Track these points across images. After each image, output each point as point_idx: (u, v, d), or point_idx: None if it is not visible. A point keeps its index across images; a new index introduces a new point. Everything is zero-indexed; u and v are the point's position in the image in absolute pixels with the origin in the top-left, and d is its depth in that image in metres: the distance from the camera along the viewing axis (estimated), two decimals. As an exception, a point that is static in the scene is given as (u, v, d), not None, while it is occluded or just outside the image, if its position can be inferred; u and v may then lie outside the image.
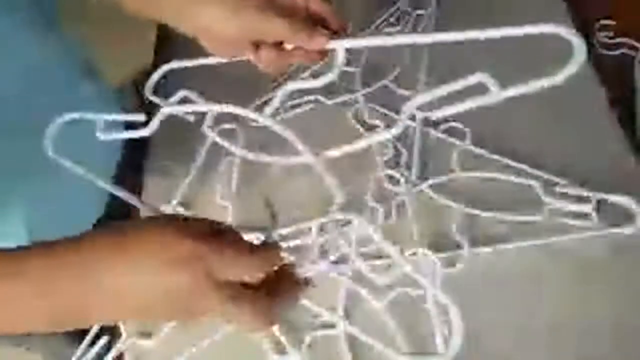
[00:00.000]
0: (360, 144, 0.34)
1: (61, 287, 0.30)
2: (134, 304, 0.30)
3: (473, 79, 0.30)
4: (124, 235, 0.31)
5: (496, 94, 0.30)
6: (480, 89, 0.31)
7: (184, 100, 0.41)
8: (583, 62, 0.28)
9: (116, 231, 0.31)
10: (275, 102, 0.38)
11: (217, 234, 0.32)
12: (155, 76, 0.43)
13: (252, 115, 0.36)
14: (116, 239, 0.31)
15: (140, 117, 0.41)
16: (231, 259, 0.31)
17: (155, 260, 0.29)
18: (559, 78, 0.28)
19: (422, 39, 0.34)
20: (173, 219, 0.32)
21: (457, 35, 0.33)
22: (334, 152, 0.34)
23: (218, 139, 0.39)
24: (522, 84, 0.30)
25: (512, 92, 0.30)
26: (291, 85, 0.39)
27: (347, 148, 0.34)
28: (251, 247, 0.32)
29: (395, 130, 0.33)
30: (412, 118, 0.61)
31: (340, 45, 0.38)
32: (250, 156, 0.39)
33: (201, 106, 0.38)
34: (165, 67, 0.44)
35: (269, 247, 0.34)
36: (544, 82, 0.29)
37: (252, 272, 0.31)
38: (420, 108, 0.60)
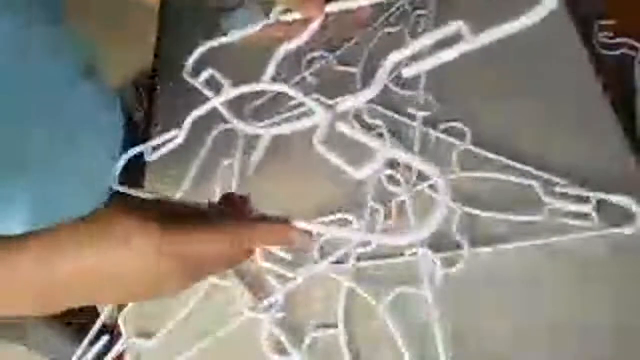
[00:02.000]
0: (349, 102, 0.33)
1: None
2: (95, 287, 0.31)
3: (451, 29, 0.29)
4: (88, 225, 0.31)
5: (471, 41, 0.28)
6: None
7: (208, 82, 0.41)
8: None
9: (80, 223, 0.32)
10: (270, 69, 0.38)
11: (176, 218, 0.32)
12: (196, 54, 0.43)
13: (273, 87, 0.36)
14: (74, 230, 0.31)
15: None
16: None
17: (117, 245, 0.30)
18: (533, 18, 0.26)
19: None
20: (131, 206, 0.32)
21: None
22: (345, 105, 0.33)
23: (221, 109, 0.38)
24: (495, 29, 0.28)
25: (486, 37, 0.28)
26: (281, 51, 0.39)
27: (350, 102, 0.33)
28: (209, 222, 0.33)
29: (373, 90, 0.31)
30: (412, 118, 0.61)
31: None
32: (249, 129, 0.38)
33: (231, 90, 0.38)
34: (202, 48, 0.43)
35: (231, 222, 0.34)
36: (519, 24, 0.27)
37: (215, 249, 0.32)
38: (421, 108, 0.61)
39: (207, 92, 0.39)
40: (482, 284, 0.50)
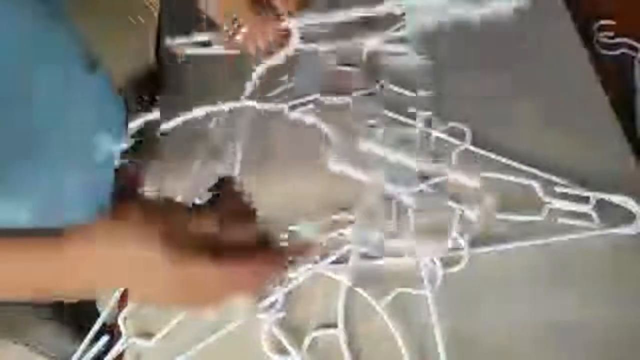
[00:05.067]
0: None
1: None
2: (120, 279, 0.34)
3: (382, 9, 0.29)
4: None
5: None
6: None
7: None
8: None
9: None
10: (249, 87, 0.40)
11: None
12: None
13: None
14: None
15: None
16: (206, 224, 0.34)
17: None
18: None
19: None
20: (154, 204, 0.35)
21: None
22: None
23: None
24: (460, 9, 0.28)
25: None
26: (260, 67, 0.40)
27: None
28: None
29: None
30: (412, 118, 0.61)
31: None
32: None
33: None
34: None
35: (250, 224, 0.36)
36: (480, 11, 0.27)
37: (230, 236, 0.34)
38: (421, 108, 0.61)
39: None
40: (482, 284, 0.50)
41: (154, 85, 0.71)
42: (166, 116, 0.64)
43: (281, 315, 0.50)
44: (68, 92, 0.54)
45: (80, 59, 0.56)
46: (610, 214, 0.51)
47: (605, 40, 0.66)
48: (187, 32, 0.69)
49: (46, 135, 0.52)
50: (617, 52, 0.65)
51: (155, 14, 0.80)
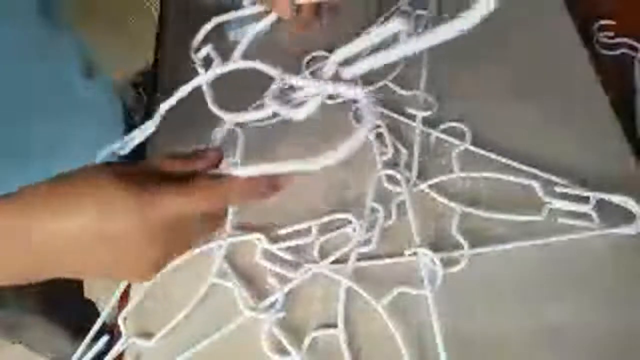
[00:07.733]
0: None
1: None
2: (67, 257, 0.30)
3: (391, 27, 0.29)
4: (57, 184, 0.30)
5: (408, 44, 0.28)
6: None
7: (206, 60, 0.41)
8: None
9: (50, 183, 0.31)
10: (242, 47, 0.39)
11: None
12: (202, 32, 0.43)
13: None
14: (50, 188, 0.30)
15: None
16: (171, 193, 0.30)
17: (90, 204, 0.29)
18: (470, 21, 0.26)
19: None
20: (107, 165, 0.32)
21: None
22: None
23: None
24: (434, 32, 0.28)
25: (425, 41, 0.28)
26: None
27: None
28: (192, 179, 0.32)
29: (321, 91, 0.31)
30: (412, 118, 0.61)
31: None
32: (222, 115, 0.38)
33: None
34: (208, 25, 0.43)
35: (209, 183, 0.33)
36: (458, 24, 0.26)
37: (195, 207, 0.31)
38: (421, 108, 0.61)
39: (200, 70, 0.39)
40: (482, 284, 0.50)
41: (154, 85, 0.72)
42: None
43: (281, 315, 0.50)
44: (65, 99, 0.54)
45: (78, 65, 0.57)
46: (610, 214, 0.51)
47: (605, 40, 0.66)
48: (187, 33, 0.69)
49: (42, 142, 0.52)
50: (617, 52, 0.65)
51: (155, 14, 0.80)
